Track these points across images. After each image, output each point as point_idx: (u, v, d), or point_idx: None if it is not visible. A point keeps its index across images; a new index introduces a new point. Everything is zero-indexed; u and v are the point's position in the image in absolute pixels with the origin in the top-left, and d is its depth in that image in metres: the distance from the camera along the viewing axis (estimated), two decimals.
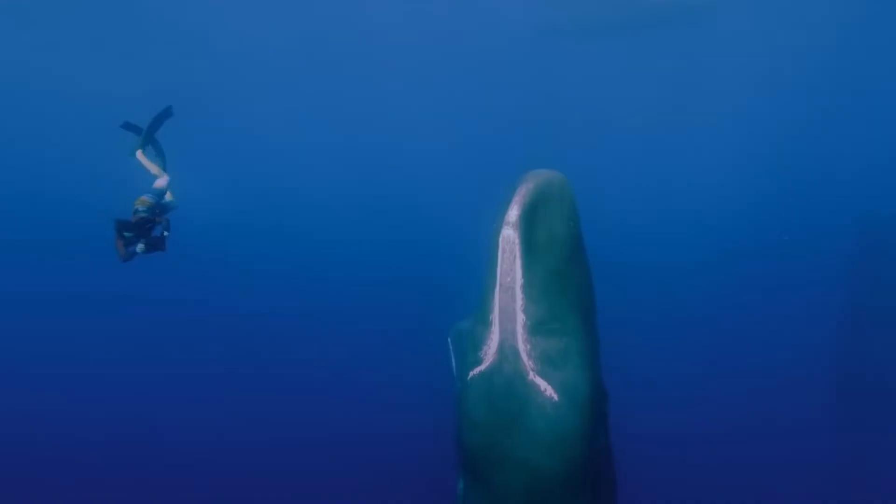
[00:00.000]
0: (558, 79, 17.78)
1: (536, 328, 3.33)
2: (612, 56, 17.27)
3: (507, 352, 3.39)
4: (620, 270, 13.14)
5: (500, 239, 3.23)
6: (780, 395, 13.35)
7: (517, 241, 3.20)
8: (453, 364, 3.88)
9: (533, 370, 3.36)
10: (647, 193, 18.49)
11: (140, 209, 6.96)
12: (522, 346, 3.35)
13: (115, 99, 17.13)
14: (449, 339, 3.88)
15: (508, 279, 3.27)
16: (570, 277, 3.42)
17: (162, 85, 16.28)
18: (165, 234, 7.03)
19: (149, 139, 7.82)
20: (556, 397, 3.38)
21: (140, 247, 6.81)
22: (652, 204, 18.40)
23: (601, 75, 17.66)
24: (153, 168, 7.71)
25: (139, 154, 7.73)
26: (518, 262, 3.23)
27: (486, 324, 3.44)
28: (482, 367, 3.50)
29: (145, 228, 6.87)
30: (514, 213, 3.18)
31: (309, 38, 17.97)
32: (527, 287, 3.27)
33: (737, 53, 16.24)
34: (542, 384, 3.37)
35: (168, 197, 7.71)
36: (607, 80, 17.71)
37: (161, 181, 7.64)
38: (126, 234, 6.76)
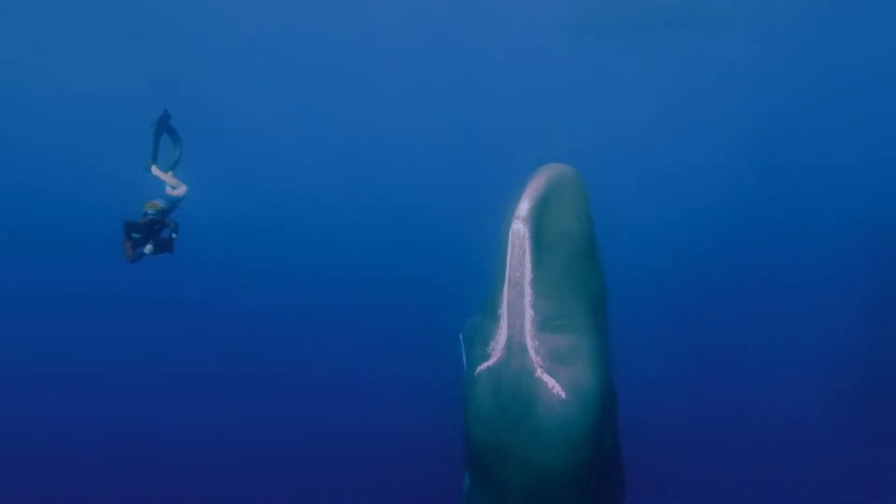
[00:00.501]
0: (564, 77, 17.78)
1: (545, 324, 3.30)
2: (620, 56, 17.26)
3: (514, 348, 3.35)
4: (637, 270, 13.15)
5: (510, 233, 3.19)
6: (788, 395, 13.32)
7: (527, 235, 3.16)
8: (464, 360, 3.85)
9: (541, 367, 3.32)
10: (660, 193, 18.42)
11: (149, 212, 6.98)
12: (530, 343, 3.31)
13: (115, 99, 17.14)
14: (460, 335, 3.84)
15: (517, 274, 3.23)
16: (581, 273, 3.37)
17: (161, 84, 16.29)
18: (174, 235, 7.04)
19: (157, 151, 7.84)
20: (563, 395, 3.33)
21: (148, 248, 6.82)
22: (664, 203, 18.34)
23: (610, 74, 17.66)
24: (171, 180, 7.73)
25: (154, 169, 7.76)
26: (527, 257, 3.20)
27: (495, 319, 3.40)
28: (489, 363, 3.47)
29: (153, 230, 6.87)
30: (524, 208, 3.14)
31: (311, 37, 17.97)
32: (536, 283, 3.24)
33: (754, 54, 16.19)
34: (550, 381, 3.33)
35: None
36: (616, 79, 17.69)
37: (179, 191, 7.69)
38: (134, 235, 6.75)
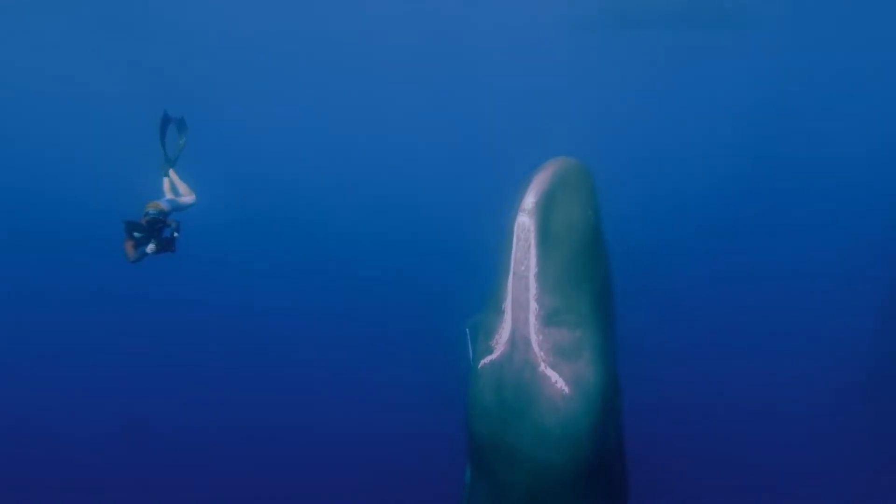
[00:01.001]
0: (564, 75, 17.78)
1: (550, 318, 3.24)
2: (620, 53, 17.25)
3: (518, 342, 3.30)
4: (641, 267, 13.13)
5: (515, 226, 3.15)
6: (791, 394, 13.30)
7: (532, 228, 3.12)
8: (470, 354, 3.81)
9: (544, 361, 3.26)
10: (663, 191, 18.41)
11: (151, 212, 6.98)
12: (534, 337, 3.25)
13: (116, 99, 17.16)
14: (467, 330, 3.80)
15: (522, 268, 3.18)
16: (587, 267, 3.32)
17: (161, 84, 16.30)
18: (175, 235, 7.05)
19: (167, 154, 7.87)
20: (566, 390, 3.27)
21: (150, 247, 6.83)
22: (667, 202, 18.33)
23: (609, 72, 17.66)
24: (182, 187, 7.76)
25: (171, 173, 7.80)
26: (532, 251, 3.15)
27: (499, 313, 3.36)
28: (493, 357, 3.42)
29: (155, 229, 6.88)
30: (530, 200, 3.09)
31: (311, 37, 17.98)
32: (541, 276, 3.19)
33: (755, 51, 16.17)
34: (554, 376, 3.27)
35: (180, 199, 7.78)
36: (616, 76, 17.69)
37: (188, 199, 7.72)
38: (136, 234, 6.76)
